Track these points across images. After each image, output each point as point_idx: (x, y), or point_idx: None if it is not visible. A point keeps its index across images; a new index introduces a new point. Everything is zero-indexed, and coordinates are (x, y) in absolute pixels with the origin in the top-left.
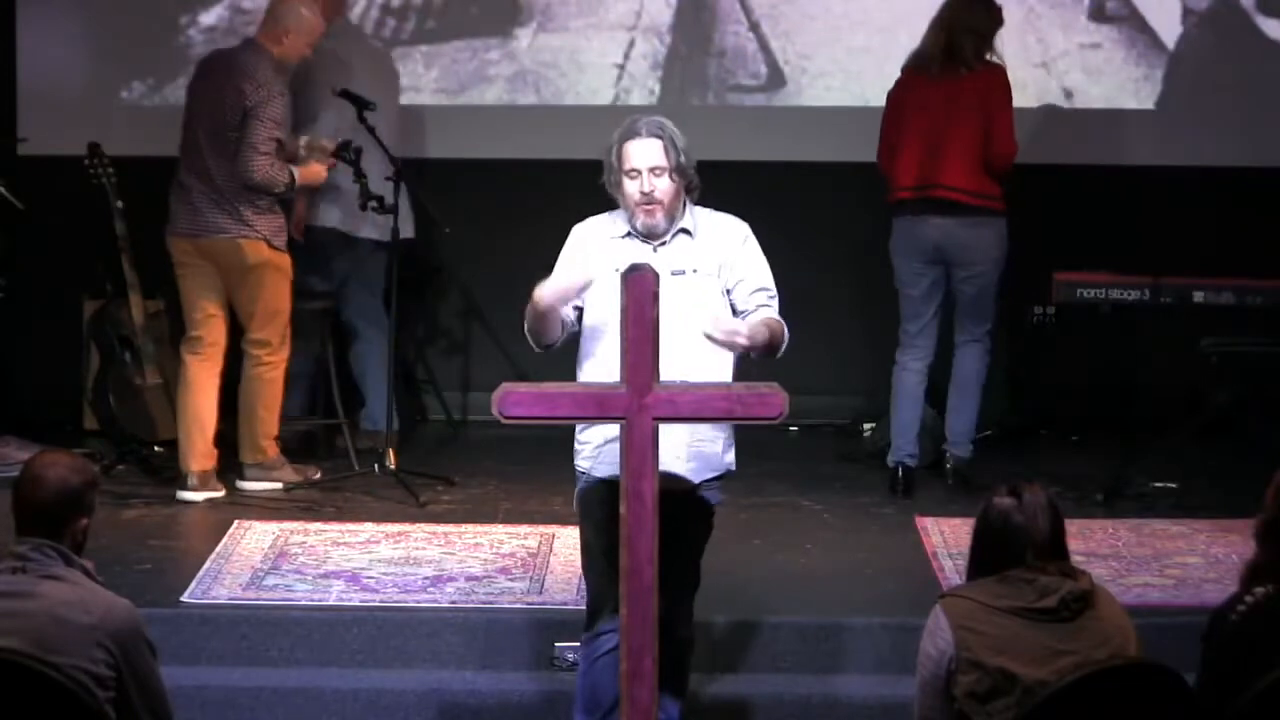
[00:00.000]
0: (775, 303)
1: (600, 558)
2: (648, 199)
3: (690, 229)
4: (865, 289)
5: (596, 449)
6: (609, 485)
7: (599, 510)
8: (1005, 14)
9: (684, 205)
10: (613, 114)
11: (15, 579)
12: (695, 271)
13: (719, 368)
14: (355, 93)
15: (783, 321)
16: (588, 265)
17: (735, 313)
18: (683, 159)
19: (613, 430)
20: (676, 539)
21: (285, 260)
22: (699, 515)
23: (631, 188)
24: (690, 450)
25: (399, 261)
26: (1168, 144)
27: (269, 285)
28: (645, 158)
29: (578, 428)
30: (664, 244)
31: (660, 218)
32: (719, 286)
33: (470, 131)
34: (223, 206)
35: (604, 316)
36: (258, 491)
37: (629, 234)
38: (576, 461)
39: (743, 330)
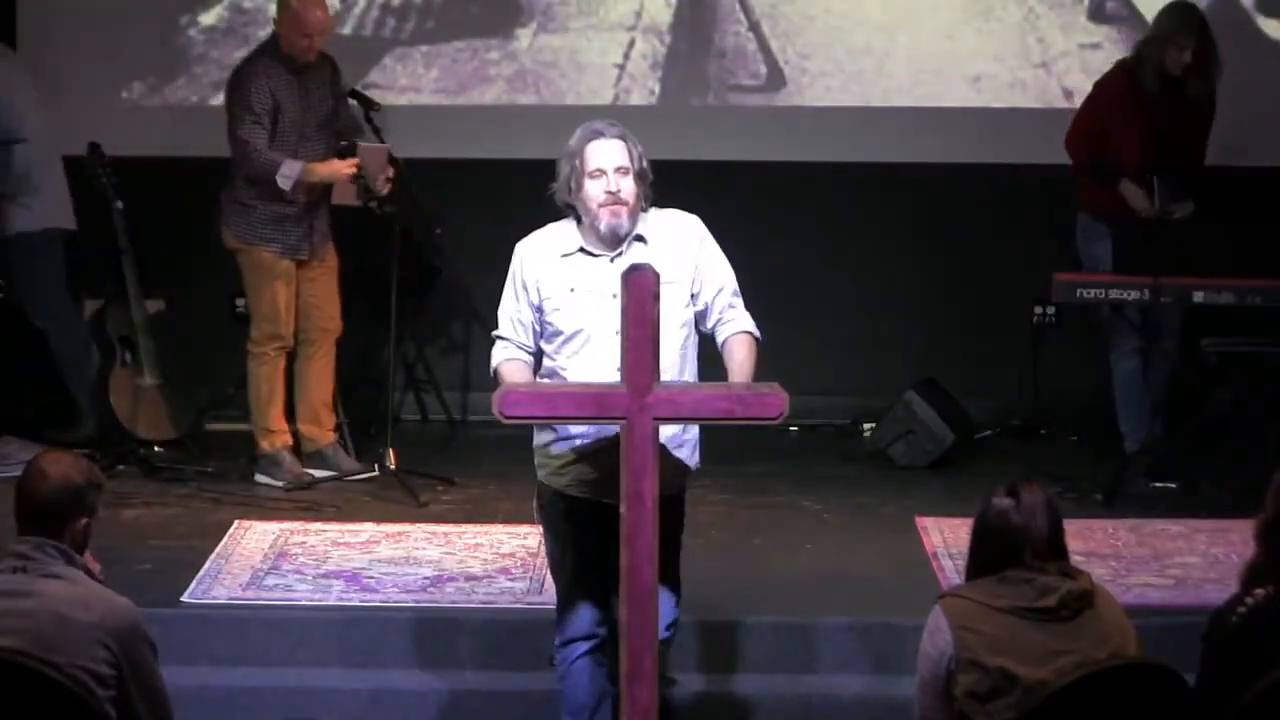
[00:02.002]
0: (740, 299)
1: (566, 569)
2: (614, 198)
3: (644, 235)
4: (865, 289)
5: (562, 467)
6: (571, 500)
7: (562, 524)
8: (1005, 14)
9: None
10: (613, 114)
11: (16, 578)
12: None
13: (685, 377)
14: (361, 92)
15: (753, 331)
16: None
17: (706, 316)
18: (643, 163)
19: (576, 448)
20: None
21: (258, 254)
22: (679, 514)
23: (596, 188)
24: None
25: (398, 261)
26: None
27: (242, 273)
28: (610, 158)
29: (537, 437)
30: (620, 254)
31: (625, 218)
32: (685, 293)
33: (470, 131)
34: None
35: (568, 329)
36: (261, 484)
37: (581, 249)
38: (541, 475)
39: None
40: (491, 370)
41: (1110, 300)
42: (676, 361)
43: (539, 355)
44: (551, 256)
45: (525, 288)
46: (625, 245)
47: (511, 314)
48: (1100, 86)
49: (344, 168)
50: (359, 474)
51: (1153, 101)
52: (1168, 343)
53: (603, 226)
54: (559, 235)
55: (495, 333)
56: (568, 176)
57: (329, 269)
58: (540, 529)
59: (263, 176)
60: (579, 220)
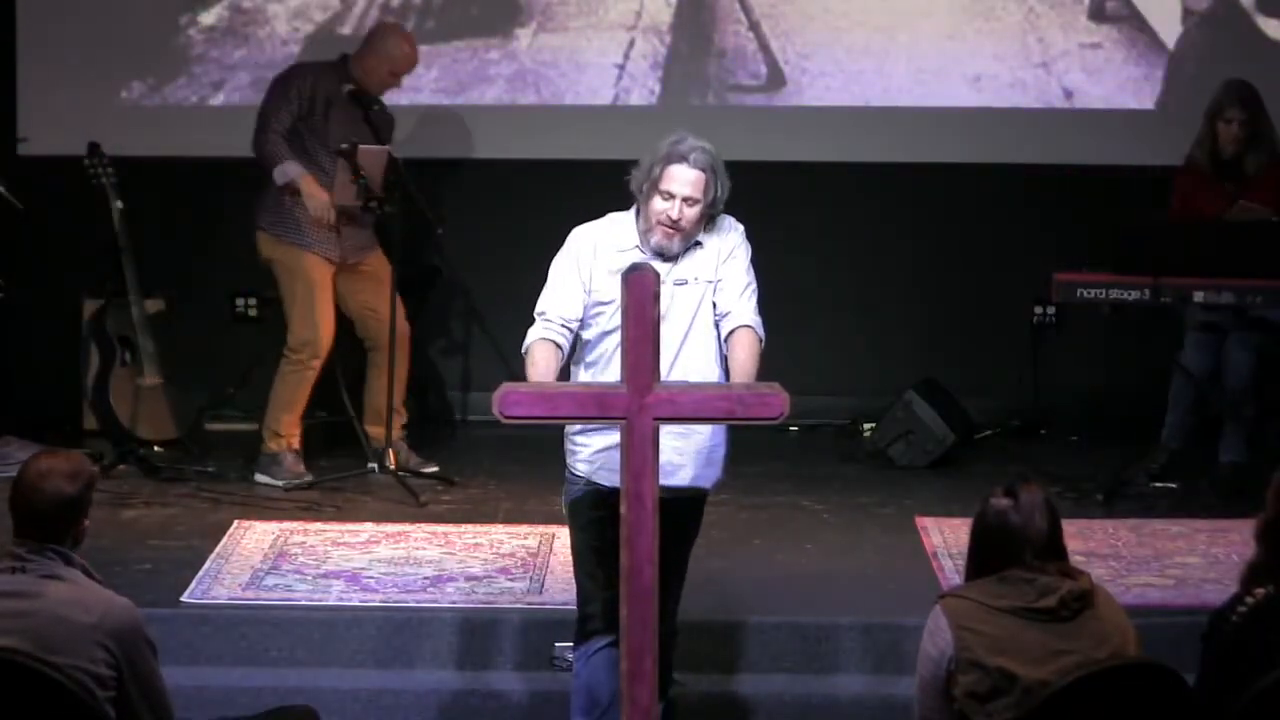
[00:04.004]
0: (752, 298)
1: (589, 559)
2: (672, 224)
3: (702, 240)
4: (865, 289)
5: (595, 454)
6: (599, 489)
7: (591, 512)
8: (1005, 14)
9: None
10: (613, 114)
11: (15, 579)
12: (696, 280)
13: (714, 377)
14: (360, 93)
15: (754, 327)
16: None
17: (715, 310)
18: (719, 194)
19: (612, 436)
20: (680, 540)
21: (292, 254)
22: (698, 516)
23: (660, 207)
24: (707, 455)
25: (398, 261)
26: (1168, 144)
27: (278, 278)
28: (684, 186)
29: (572, 428)
30: (675, 256)
31: (677, 243)
32: (712, 291)
33: (470, 131)
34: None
35: (611, 326)
36: (260, 483)
37: (636, 246)
38: (571, 463)
39: None
40: (524, 348)
41: (1110, 300)
42: (715, 361)
43: (576, 341)
44: (608, 250)
45: (579, 270)
46: (682, 253)
47: (560, 288)
48: (1177, 179)
49: (322, 204)
50: (422, 472)
51: (1219, 184)
52: (1233, 381)
53: (653, 241)
54: (617, 229)
55: (537, 310)
56: (643, 177)
57: (375, 278)
58: (541, 530)
59: (262, 156)
60: (638, 212)
